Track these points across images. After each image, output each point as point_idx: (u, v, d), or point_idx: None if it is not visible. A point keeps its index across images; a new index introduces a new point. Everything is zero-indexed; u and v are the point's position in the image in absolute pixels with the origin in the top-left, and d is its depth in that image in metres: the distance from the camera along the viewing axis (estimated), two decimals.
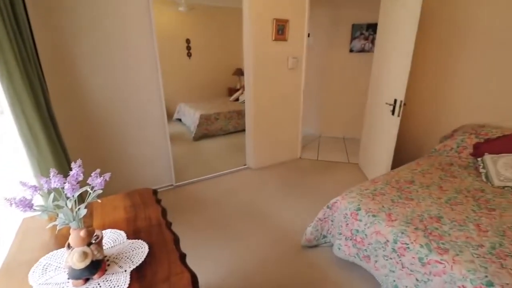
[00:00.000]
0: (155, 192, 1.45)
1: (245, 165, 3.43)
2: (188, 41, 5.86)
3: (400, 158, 3.17)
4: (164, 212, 1.27)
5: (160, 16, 5.37)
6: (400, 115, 2.40)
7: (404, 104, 2.41)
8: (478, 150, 2.21)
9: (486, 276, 1.11)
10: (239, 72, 6.11)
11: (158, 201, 1.36)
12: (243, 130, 3.52)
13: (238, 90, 5.96)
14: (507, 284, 1.07)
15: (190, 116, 4.76)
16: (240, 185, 2.95)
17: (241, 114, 4.76)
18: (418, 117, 3.11)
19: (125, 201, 1.37)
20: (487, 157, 2.05)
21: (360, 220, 1.60)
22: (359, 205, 1.66)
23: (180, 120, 5.45)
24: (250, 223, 2.29)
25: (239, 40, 2.94)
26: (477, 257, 1.21)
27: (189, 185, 2.96)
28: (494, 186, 1.88)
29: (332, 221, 1.83)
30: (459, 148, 2.38)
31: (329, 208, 1.83)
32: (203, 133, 4.51)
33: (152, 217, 1.22)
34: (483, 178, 1.98)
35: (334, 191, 2.69)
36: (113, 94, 2.34)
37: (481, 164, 2.06)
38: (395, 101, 2.42)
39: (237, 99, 5.54)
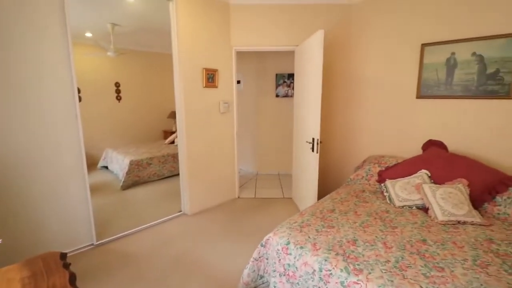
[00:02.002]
0: (63, 255, 1.26)
1: (180, 211, 3.27)
2: (117, 84, 5.68)
3: (325, 188, 3.50)
4: (72, 279, 1.11)
5: (86, 61, 5.15)
6: (318, 151, 2.73)
7: (321, 142, 2.76)
8: (381, 177, 2.63)
9: None
10: (174, 115, 6.09)
11: (67, 266, 1.18)
12: (179, 174, 3.42)
13: (173, 132, 5.87)
14: None
15: (119, 162, 4.41)
16: (174, 234, 2.77)
17: (176, 157, 4.64)
18: (335, 151, 3.56)
19: (22, 271, 1.15)
20: (388, 182, 2.45)
21: (290, 254, 1.67)
22: (288, 239, 1.74)
23: (106, 167, 4.98)
24: (185, 275, 2.13)
25: (173, 83, 3.01)
26: (385, 272, 1.38)
27: (115, 241, 2.63)
28: (395, 207, 2.23)
29: (267, 259, 1.85)
30: (368, 176, 2.79)
31: (263, 246, 1.86)
32: (134, 181, 4.19)
33: (57, 287, 1.05)
34: (387, 200, 2.33)
35: (270, 228, 2.75)
36: (19, 146, 2.05)
37: (384, 188, 2.44)
38: (313, 139, 2.75)
39: (172, 142, 5.43)
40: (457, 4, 2.50)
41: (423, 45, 2.72)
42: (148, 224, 2.93)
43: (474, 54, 2.45)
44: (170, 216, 3.14)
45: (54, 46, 2.14)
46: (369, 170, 2.83)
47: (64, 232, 2.36)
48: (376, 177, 2.72)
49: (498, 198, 2.11)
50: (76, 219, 2.41)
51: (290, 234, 1.78)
